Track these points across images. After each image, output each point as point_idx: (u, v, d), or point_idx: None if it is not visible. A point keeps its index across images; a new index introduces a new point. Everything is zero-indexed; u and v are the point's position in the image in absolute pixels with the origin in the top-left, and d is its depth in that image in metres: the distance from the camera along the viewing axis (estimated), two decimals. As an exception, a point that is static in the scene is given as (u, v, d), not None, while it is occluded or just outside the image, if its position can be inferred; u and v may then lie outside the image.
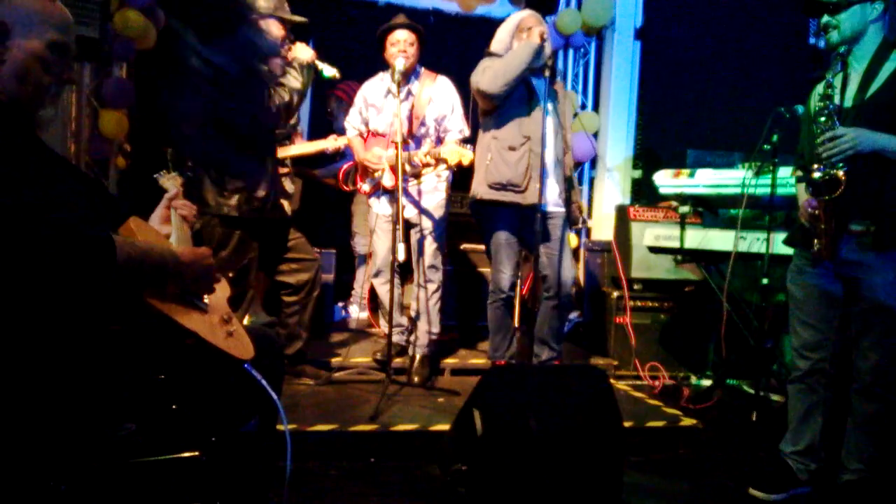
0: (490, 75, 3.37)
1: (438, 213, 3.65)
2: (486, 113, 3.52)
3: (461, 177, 4.62)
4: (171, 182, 1.84)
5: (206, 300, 1.53)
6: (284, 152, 4.13)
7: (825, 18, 2.37)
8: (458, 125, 3.59)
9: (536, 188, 3.32)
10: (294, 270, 3.33)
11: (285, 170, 4.25)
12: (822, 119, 2.33)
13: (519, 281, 3.66)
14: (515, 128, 3.42)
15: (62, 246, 1.17)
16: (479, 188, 3.49)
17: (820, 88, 2.41)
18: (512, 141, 3.41)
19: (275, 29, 3.13)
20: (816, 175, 2.30)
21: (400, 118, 3.27)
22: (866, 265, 2.32)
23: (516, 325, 3.65)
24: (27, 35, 1.38)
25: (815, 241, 2.37)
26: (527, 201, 3.35)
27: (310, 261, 3.36)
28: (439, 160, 3.40)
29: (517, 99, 3.42)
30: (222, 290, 1.64)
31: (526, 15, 3.57)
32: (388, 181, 3.53)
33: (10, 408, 1.20)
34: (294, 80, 3.11)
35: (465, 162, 3.35)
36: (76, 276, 1.20)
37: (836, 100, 2.37)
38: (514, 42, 3.48)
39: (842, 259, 2.36)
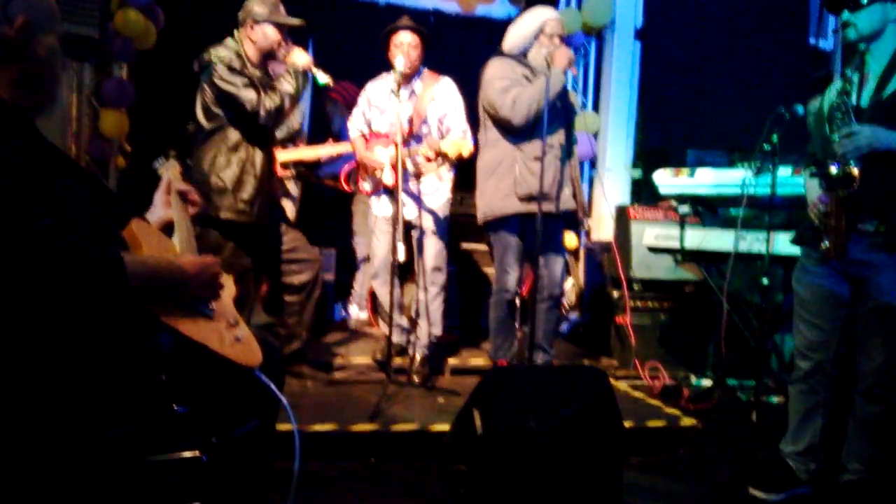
0: (519, 108, 3.30)
1: (440, 214, 3.64)
2: (504, 128, 3.44)
3: (462, 177, 4.61)
4: (170, 171, 1.84)
5: (212, 306, 1.52)
6: (288, 156, 4.14)
7: (845, 15, 2.34)
8: (460, 125, 3.57)
9: (567, 194, 3.37)
10: (295, 272, 3.33)
11: (288, 173, 4.26)
12: (839, 115, 2.33)
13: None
14: (538, 138, 3.28)
15: (74, 271, 1.19)
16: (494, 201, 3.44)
17: (837, 85, 2.40)
18: (535, 151, 3.31)
19: (271, 34, 3.14)
20: (833, 170, 2.29)
21: (401, 121, 3.26)
22: (874, 265, 2.32)
23: (518, 325, 3.63)
24: (45, 31, 1.39)
25: (824, 239, 2.37)
26: (545, 209, 3.25)
27: (310, 261, 3.35)
28: (439, 153, 3.39)
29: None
30: (228, 291, 1.64)
31: (550, 18, 3.47)
32: (388, 179, 3.52)
33: (10, 408, 1.21)
34: (287, 85, 3.10)
35: (465, 154, 3.34)
36: (87, 299, 1.22)
37: (854, 98, 2.36)
38: (536, 46, 3.42)
39: (850, 258, 2.35)
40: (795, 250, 2.64)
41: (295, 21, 3.18)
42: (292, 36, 3.22)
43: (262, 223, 3.21)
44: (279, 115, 3.12)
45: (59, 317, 1.23)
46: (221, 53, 3.07)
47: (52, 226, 1.20)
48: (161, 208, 1.70)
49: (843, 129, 2.28)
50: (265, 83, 3.12)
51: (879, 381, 2.35)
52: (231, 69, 3.04)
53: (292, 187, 4.35)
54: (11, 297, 1.16)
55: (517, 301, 3.62)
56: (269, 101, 3.05)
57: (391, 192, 3.49)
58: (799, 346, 2.58)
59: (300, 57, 3.16)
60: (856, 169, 2.24)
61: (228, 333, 1.51)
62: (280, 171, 4.11)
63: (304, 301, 3.36)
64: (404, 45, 3.49)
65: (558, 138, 3.40)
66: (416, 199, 3.60)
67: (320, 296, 3.45)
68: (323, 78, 3.21)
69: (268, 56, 3.20)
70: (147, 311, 1.34)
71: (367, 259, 4.20)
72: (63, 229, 1.21)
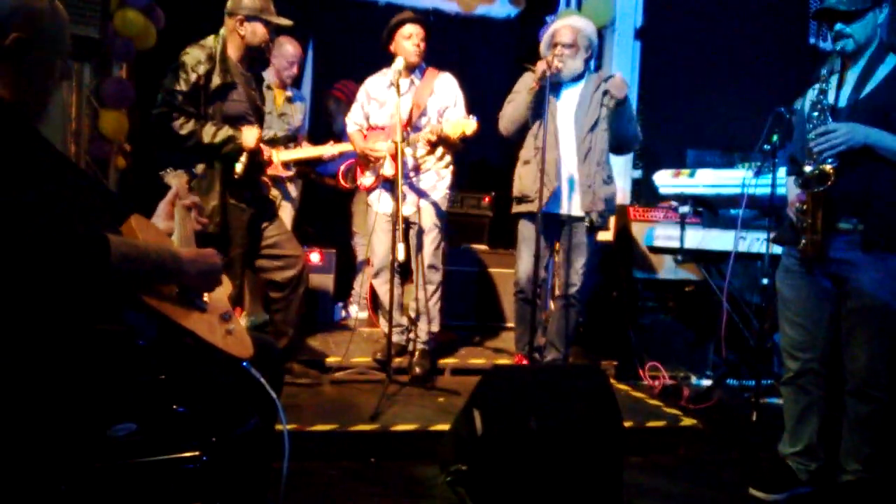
0: (503, 122, 3.61)
1: (439, 212, 3.65)
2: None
3: (462, 177, 4.60)
4: (176, 180, 1.85)
5: (205, 298, 1.53)
6: (287, 156, 4.13)
7: (839, 26, 2.35)
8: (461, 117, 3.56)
9: (546, 196, 3.35)
10: (279, 268, 3.27)
11: (289, 173, 4.25)
12: (816, 114, 2.35)
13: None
14: (530, 140, 3.55)
15: (54, 244, 1.18)
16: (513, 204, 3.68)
17: (816, 86, 2.42)
18: (527, 155, 3.57)
19: (260, 31, 3.11)
20: (808, 169, 2.31)
21: (400, 116, 3.25)
22: (854, 263, 2.32)
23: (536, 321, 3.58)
24: (43, 48, 1.41)
25: (803, 237, 2.37)
26: (537, 209, 3.37)
27: (294, 257, 3.29)
28: (440, 136, 3.37)
29: (533, 114, 3.48)
30: (223, 287, 1.64)
31: (559, 27, 3.51)
32: (389, 170, 3.48)
33: (10, 408, 1.20)
34: (207, 135, 2.99)
35: (468, 132, 3.29)
36: (68, 275, 1.21)
37: (831, 98, 2.38)
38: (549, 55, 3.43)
39: (830, 257, 2.36)
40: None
41: (285, 21, 3.15)
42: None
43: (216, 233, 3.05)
44: (175, 142, 2.97)
45: (46, 302, 1.22)
46: (192, 52, 3.02)
47: (35, 200, 1.20)
48: (162, 219, 1.70)
49: (820, 128, 2.29)
50: (194, 104, 3.01)
51: (866, 379, 2.35)
52: (192, 70, 2.97)
53: (291, 189, 4.34)
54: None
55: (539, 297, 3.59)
56: (180, 126, 2.96)
57: (391, 187, 3.47)
58: (786, 346, 2.58)
59: (249, 137, 3.04)
60: (830, 167, 2.25)
61: (220, 326, 1.51)
62: (282, 171, 4.11)
63: (288, 297, 3.29)
64: (414, 36, 3.49)
65: (549, 140, 3.32)
66: (415, 193, 3.59)
67: (305, 291, 3.35)
68: (238, 169, 3.07)
69: (253, 52, 3.13)
70: (135, 297, 1.33)
71: (367, 259, 4.20)
72: (47, 204, 1.21)
